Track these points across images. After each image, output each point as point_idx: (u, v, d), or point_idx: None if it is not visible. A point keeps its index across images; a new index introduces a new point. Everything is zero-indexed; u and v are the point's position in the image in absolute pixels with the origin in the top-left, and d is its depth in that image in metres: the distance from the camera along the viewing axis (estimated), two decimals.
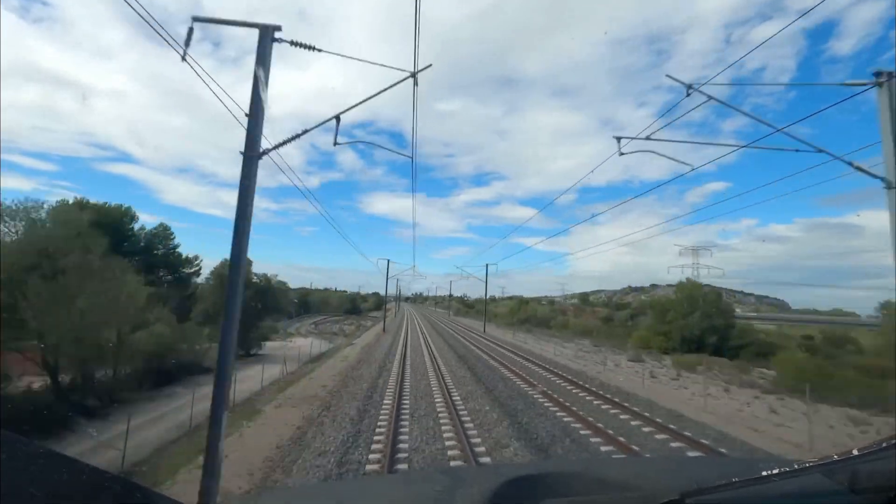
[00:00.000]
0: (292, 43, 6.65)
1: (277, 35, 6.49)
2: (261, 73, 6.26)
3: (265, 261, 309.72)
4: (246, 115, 6.23)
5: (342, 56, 7.25)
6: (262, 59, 6.39)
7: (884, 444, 0.93)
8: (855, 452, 0.97)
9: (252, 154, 6.14)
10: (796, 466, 1.04)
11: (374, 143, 45.77)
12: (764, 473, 1.03)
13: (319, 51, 6.91)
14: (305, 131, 6.84)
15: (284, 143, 6.68)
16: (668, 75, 7.74)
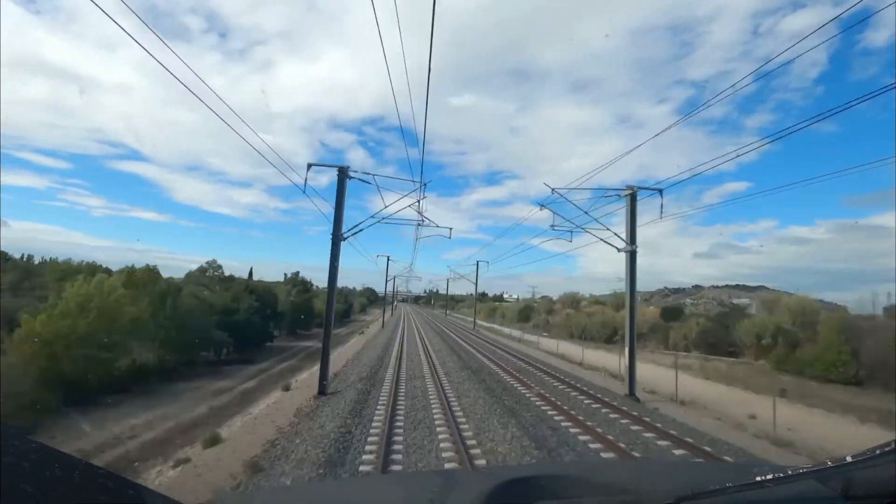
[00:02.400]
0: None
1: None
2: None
3: (271, 261, 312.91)
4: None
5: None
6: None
7: (878, 452, 0.93)
8: (849, 459, 0.97)
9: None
10: (790, 472, 1.04)
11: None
12: (758, 479, 1.04)
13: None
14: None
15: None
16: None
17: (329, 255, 13.05)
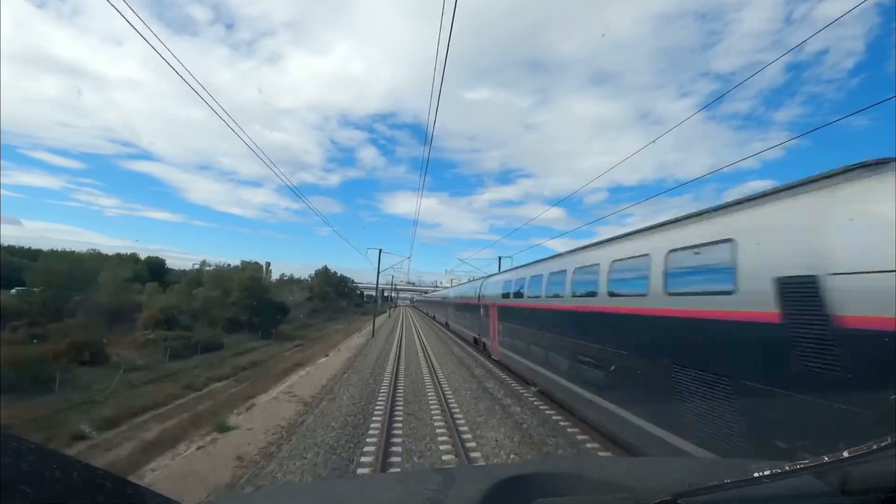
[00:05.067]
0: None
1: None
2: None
3: (285, 261, 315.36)
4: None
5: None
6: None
7: (874, 447, 0.93)
8: (846, 454, 0.97)
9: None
10: (787, 468, 1.05)
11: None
12: (756, 475, 1.05)
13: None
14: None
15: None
16: None
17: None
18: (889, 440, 0.92)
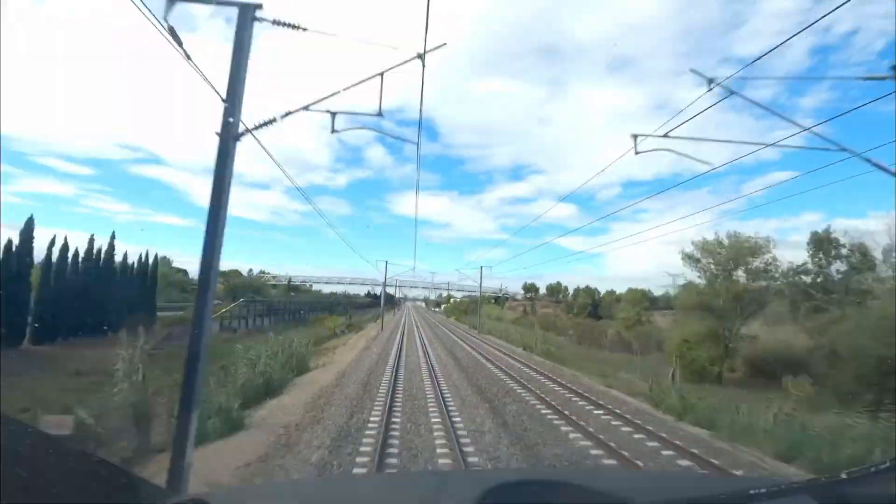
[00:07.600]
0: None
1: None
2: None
3: (293, 264, 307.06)
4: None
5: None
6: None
7: (872, 469, 0.94)
8: (843, 475, 0.98)
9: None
10: (783, 486, 1.05)
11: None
12: (751, 492, 1.05)
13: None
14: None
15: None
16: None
17: None
18: (888, 463, 0.92)
